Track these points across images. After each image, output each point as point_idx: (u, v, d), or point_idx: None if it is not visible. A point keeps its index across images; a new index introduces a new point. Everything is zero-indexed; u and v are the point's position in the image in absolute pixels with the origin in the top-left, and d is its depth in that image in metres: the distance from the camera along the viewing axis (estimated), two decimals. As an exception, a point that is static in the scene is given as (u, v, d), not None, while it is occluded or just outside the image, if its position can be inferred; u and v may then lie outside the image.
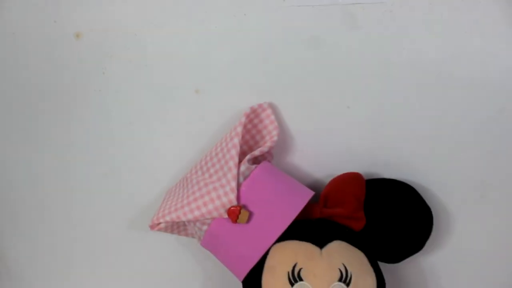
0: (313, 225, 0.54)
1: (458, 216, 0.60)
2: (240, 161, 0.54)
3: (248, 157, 0.54)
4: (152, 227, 0.56)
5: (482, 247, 0.61)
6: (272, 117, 0.57)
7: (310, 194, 0.55)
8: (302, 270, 0.50)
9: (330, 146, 0.59)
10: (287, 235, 0.52)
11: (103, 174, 0.63)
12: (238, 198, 0.52)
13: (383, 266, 0.56)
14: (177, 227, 0.58)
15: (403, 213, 0.56)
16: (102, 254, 0.67)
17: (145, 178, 0.63)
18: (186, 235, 0.60)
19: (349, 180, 0.55)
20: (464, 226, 0.60)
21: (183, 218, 0.53)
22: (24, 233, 0.68)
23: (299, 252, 0.51)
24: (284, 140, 0.59)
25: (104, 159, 0.63)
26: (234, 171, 0.53)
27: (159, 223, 0.55)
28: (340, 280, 0.50)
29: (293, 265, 0.51)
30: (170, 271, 0.66)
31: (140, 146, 0.62)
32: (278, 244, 0.52)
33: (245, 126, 0.56)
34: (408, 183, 0.57)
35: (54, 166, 0.64)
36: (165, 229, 0.57)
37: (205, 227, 0.54)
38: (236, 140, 0.54)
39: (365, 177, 0.56)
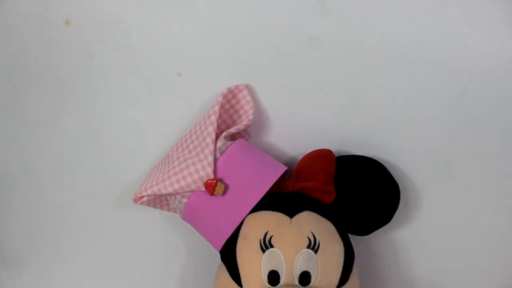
0: (285, 197, 0.57)
1: (426, 192, 0.63)
2: (217, 138, 0.58)
3: (224, 133, 0.58)
4: (135, 200, 0.60)
5: (449, 222, 0.64)
6: (249, 97, 0.61)
7: (283, 168, 0.58)
8: (272, 238, 0.54)
9: (304, 125, 0.62)
10: (260, 206, 0.56)
11: (92, 155, 0.67)
12: (214, 172, 0.56)
13: (355, 239, 0.59)
14: (159, 202, 0.61)
15: (372, 188, 0.59)
16: (90, 232, 0.70)
17: (131, 158, 0.66)
18: (169, 210, 0.63)
19: (320, 156, 0.59)
20: (431, 202, 0.63)
21: (164, 191, 0.57)
22: (15, 214, 0.71)
23: (270, 221, 0.55)
24: (260, 120, 0.62)
25: (92, 140, 0.66)
26: (211, 146, 0.57)
27: (142, 197, 0.59)
28: (308, 247, 0.53)
29: (264, 233, 0.54)
30: (155, 247, 0.69)
31: (126, 127, 0.65)
32: (251, 215, 0.56)
33: (222, 106, 0.60)
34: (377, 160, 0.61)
35: (43, 148, 0.67)
36: (148, 203, 0.61)
37: (184, 200, 0.58)
38: (213, 118, 0.57)
39: (337, 155, 0.60)
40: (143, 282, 0.70)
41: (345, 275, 0.55)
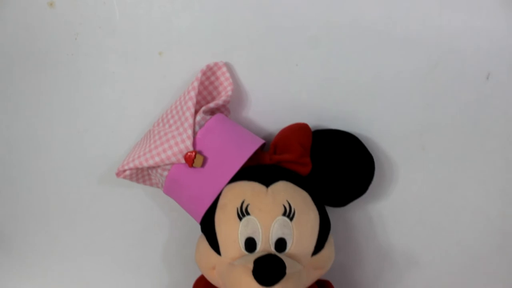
0: (262, 168, 0.59)
1: (401, 165, 0.65)
2: (197, 113, 0.60)
3: (203, 108, 0.60)
4: (118, 174, 0.61)
5: (423, 194, 0.66)
6: (227, 74, 0.63)
7: (260, 141, 0.60)
8: (249, 206, 0.55)
9: (281, 101, 0.64)
10: (238, 177, 0.57)
11: (76, 133, 0.68)
12: (194, 144, 0.58)
13: (333, 212, 0.61)
14: (141, 176, 0.63)
15: (347, 160, 0.61)
16: (75, 210, 0.71)
17: (114, 136, 0.67)
18: (151, 184, 0.65)
19: (296, 130, 0.60)
20: (406, 175, 0.65)
21: (145, 164, 0.59)
22: (1, 192, 0.72)
23: (247, 190, 0.56)
24: (239, 97, 0.64)
25: (76, 119, 0.67)
26: (190, 120, 0.58)
27: (124, 170, 0.61)
28: (284, 214, 0.55)
29: (241, 201, 0.56)
30: (138, 222, 0.71)
31: (109, 105, 0.67)
32: (229, 185, 0.57)
33: (202, 83, 0.62)
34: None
35: (27, 127, 0.69)
36: (131, 177, 0.62)
37: (165, 173, 0.60)
38: (193, 93, 0.59)
39: (313, 129, 0.62)
40: (127, 257, 0.72)
41: (321, 243, 0.57)
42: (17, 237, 0.73)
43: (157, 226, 0.70)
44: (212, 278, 0.59)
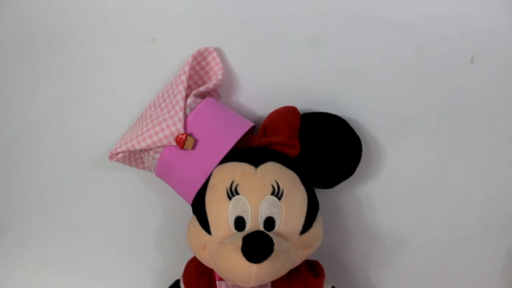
0: (251, 150, 0.60)
1: (389, 149, 0.66)
2: (188, 97, 0.61)
3: (194, 92, 0.61)
4: (111, 157, 0.63)
5: (411, 177, 0.67)
6: (218, 59, 0.64)
7: (250, 124, 0.62)
8: (238, 186, 0.57)
9: (271, 86, 0.65)
10: (228, 159, 0.59)
11: (70, 119, 0.70)
12: (185, 127, 0.59)
13: (321, 194, 0.63)
14: (134, 160, 0.65)
15: (335, 142, 0.62)
16: (70, 194, 0.73)
17: (107, 122, 0.69)
18: (144, 168, 0.66)
19: (285, 112, 0.62)
20: (394, 158, 0.66)
21: (137, 147, 0.60)
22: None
23: (236, 170, 0.58)
24: (229, 82, 0.65)
25: (70, 105, 0.69)
26: (181, 103, 0.60)
27: (117, 153, 0.62)
28: (272, 194, 0.56)
29: (231, 181, 0.57)
30: (132, 206, 0.73)
31: (102, 91, 0.68)
32: (219, 166, 0.59)
33: (193, 68, 0.63)
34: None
35: (21, 114, 0.70)
36: (123, 161, 0.64)
37: (157, 156, 0.61)
38: (184, 77, 0.61)
39: (302, 113, 0.63)
40: (121, 241, 0.74)
41: (309, 222, 0.58)
42: (12, 222, 0.75)
43: (151, 210, 0.72)
44: (203, 257, 0.60)
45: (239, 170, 0.58)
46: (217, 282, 0.61)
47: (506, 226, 0.68)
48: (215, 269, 0.58)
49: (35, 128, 0.70)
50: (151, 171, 0.65)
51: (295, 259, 0.58)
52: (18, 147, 0.71)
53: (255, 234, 0.53)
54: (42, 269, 0.75)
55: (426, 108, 0.64)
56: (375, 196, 0.68)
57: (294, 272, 0.61)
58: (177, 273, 0.66)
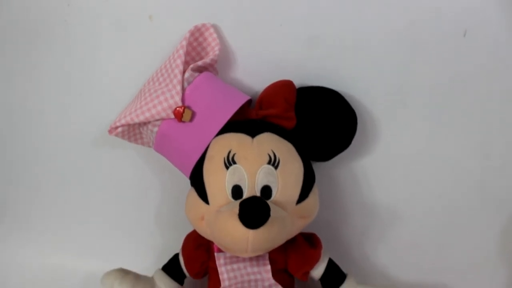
0: (248, 121, 0.61)
1: (383, 122, 0.67)
2: (185, 71, 0.62)
3: (192, 66, 0.62)
4: (110, 131, 0.64)
5: (405, 150, 0.68)
6: (215, 35, 0.65)
7: (247, 97, 0.63)
8: (235, 155, 0.58)
9: (267, 61, 0.66)
10: (225, 130, 0.60)
11: (69, 97, 0.71)
12: (182, 100, 0.60)
13: (317, 168, 0.64)
14: (133, 134, 0.66)
15: (331, 115, 0.63)
16: (69, 172, 0.74)
17: (106, 99, 0.70)
18: (142, 143, 0.67)
19: (281, 86, 0.63)
20: (388, 131, 0.67)
21: (136, 120, 0.61)
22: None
23: (233, 141, 0.59)
24: (226, 57, 0.66)
25: (69, 84, 0.70)
26: (179, 77, 0.61)
27: (116, 127, 0.63)
28: (269, 163, 0.57)
29: (228, 151, 0.58)
30: (131, 184, 0.74)
31: (101, 70, 0.69)
32: (216, 137, 0.59)
33: (190, 44, 0.64)
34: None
35: (21, 93, 0.71)
36: (122, 135, 0.65)
37: (155, 129, 0.62)
38: (181, 51, 0.62)
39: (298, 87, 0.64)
40: (120, 219, 0.75)
41: (305, 192, 0.59)
42: (12, 202, 0.76)
43: (150, 187, 0.73)
44: (201, 228, 0.61)
45: (236, 140, 0.59)
46: (216, 254, 0.62)
47: (499, 199, 0.69)
48: (213, 239, 0.59)
49: (34, 106, 0.71)
50: (149, 146, 0.66)
51: (292, 229, 0.59)
52: (17, 125, 0.72)
53: (252, 199, 0.54)
54: (41, 248, 0.76)
55: (419, 82, 0.65)
56: (371, 170, 0.69)
57: (291, 244, 0.62)
58: (177, 250, 0.67)
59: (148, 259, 0.73)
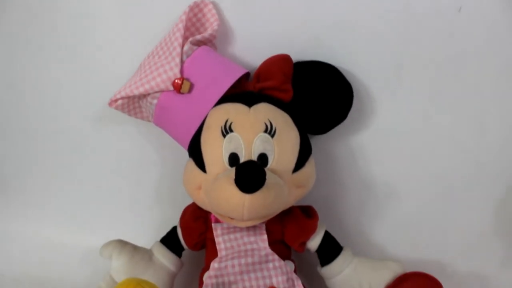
0: (246, 93, 0.62)
1: (379, 97, 0.68)
2: (184, 45, 0.63)
3: (190, 39, 0.63)
4: (110, 104, 0.65)
5: (401, 126, 0.69)
6: (214, 11, 0.66)
7: (244, 70, 0.64)
8: (232, 124, 0.59)
9: (265, 37, 0.67)
10: (222, 101, 0.61)
11: (70, 72, 0.72)
12: (181, 72, 0.61)
13: (315, 144, 0.65)
14: (133, 108, 0.67)
15: (327, 89, 0.64)
16: (70, 148, 0.75)
17: (108, 75, 0.70)
18: (142, 117, 0.68)
19: (278, 59, 0.63)
20: (385, 106, 0.68)
21: (136, 92, 0.62)
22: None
23: (230, 110, 0.60)
24: (225, 34, 0.67)
25: (72, 59, 0.71)
26: (178, 49, 0.62)
27: (116, 100, 0.64)
28: (265, 131, 0.58)
29: (225, 120, 0.59)
30: (130, 159, 0.75)
31: (101, 45, 0.70)
32: (214, 108, 0.61)
33: (190, 19, 0.65)
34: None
35: (22, 68, 0.72)
36: (122, 108, 0.66)
37: (155, 101, 0.63)
38: (181, 25, 0.63)
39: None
40: (120, 194, 0.76)
41: (301, 161, 0.60)
42: (13, 177, 0.77)
43: (149, 163, 0.74)
44: (198, 198, 0.62)
45: (233, 110, 0.60)
46: (213, 225, 0.63)
47: (495, 174, 0.69)
48: (210, 208, 0.60)
49: (35, 82, 0.73)
50: (149, 120, 0.67)
51: (289, 198, 0.60)
52: (17, 100, 0.73)
53: (248, 164, 0.55)
54: (43, 223, 0.77)
55: (415, 58, 0.66)
56: (367, 145, 0.70)
57: (287, 215, 0.63)
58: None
59: (148, 235, 0.73)
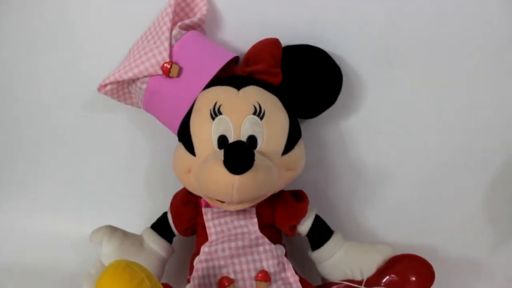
0: (235, 76, 0.63)
1: (369, 81, 0.68)
2: (173, 29, 0.63)
3: (179, 24, 0.63)
4: (99, 89, 0.65)
5: (391, 111, 0.69)
6: (202, -4, 0.66)
7: (234, 54, 0.64)
8: (221, 106, 0.59)
9: (255, 22, 0.67)
10: (211, 85, 0.60)
11: (61, 60, 0.71)
12: (170, 56, 0.61)
13: (306, 129, 0.65)
14: (122, 93, 0.67)
15: (316, 72, 0.64)
16: (60, 137, 0.75)
17: (97, 62, 0.70)
18: (132, 103, 0.68)
19: (267, 43, 0.64)
20: (374, 91, 0.68)
21: (125, 77, 0.62)
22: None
23: (219, 93, 0.60)
24: (214, 18, 0.67)
25: (62, 46, 0.71)
26: (167, 33, 0.62)
27: (106, 85, 0.64)
28: (254, 113, 0.58)
29: (214, 103, 0.59)
30: (121, 147, 0.75)
31: (92, 32, 0.70)
32: (203, 91, 0.61)
33: (179, 4, 0.65)
34: (322, 52, 0.66)
35: (15, 55, 0.72)
36: (112, 94, 0.66)
37: (144, 86, 0.63)
38: (169, 10, 0.63)
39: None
40: (111, 182, 0.76)
41: (290, 144, 0.60)
42: (1, 165, 0.77)
43: (140, 151, 0.74)
44: (188, 183, 0.62)
45: (222, 92, 0.60)
46: (203, 209, 0.63)
47: (485, 159, 0.70)
48: (200, 191, 0.60)
49: (27, 70, 0.72)
50: (139, 106, 0.67)
51: (278, 181, 0.59)
52: (6, 88, 0.73)
53: (236, 144, 0.55)
54: (32, 210, 0.77)
55: (404, 41, 0.66)
56: (358, 130, 0.70)
57: (278, 199, 0.63)
58: (166, 213, 0.68)
59: (138, 223, 0.73)
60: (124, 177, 0.75)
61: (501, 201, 0.71)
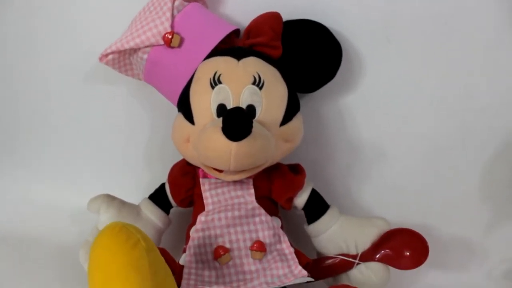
0: (235, 47, 0.63)
1: (368, 58, 0.68)
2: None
3: (181, -5, 0.64)
4: (101, 59, 0.65)
5: (389, 87, 0.69)
6: (205, -31, 0.67)
7: (234, 26, 0.64)
8: (221, 76, 0.59)
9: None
10: (212, 55, 0.61)
11: (61, 33, 0.72)
12: (172, 26, 0.62)
13: (304, 106, 0.65)
14: (124, 64, 0.67)
15: (316, 46, 0.64)
16: (60, 109, 0.76)
17: (98, 34, 0.70)
18: (133, 75, 0.69)
19: (268, 16, 0.64)
20: (373, 67, 0.69)
21: (126, 46, 0.63)
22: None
23: (219, 62, 0.60)
24: (216, -6, 0.68)
25: (63, 18, 0.72)
26: (169, 4, 0.62)
27: (107, 54, 0.65)
28: (253, 83, 0.59)
29: (214, 72, 0.59)
30: (120, 119, 0.75)
31: (93, 5, 0.71)
32: (204, 61, 0.61)
33: (180, -21, 0.66)
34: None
35: (13, 29, 0.73)
36: (113, 64, 0.66)
37: (145, 56, 0.63)
38: (171, -19, 0.64)
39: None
40: (110, 154, 0.76)
41: (289, 115, 0.61)
42: (1, 137, 0.77)
43: (140, 123, 0.75)
44: (186, 152, 0.62)
45: (222, 62, 0.60)
46: (201, 180, 0.63)
47: (481, 139, 0.70)
48: (198, 160, 0.60)
49: (24, 42, 0.73)
50: (139, 78, 0.68)
51: (276, 151, 0.60)
52: (6, 60, 0.74)
53: (235, 111, 0.55)
54: (30, 181, 0.78)
55: (402, 17, 0.66)
56: (356, 107, 0.70)
57: (275, 171, 0.64)
58: (165, 186, 0.68)
59: (137, 194, 0.73)
60: (123, 148, 0.76)
61: (497, 181, 0.71)
